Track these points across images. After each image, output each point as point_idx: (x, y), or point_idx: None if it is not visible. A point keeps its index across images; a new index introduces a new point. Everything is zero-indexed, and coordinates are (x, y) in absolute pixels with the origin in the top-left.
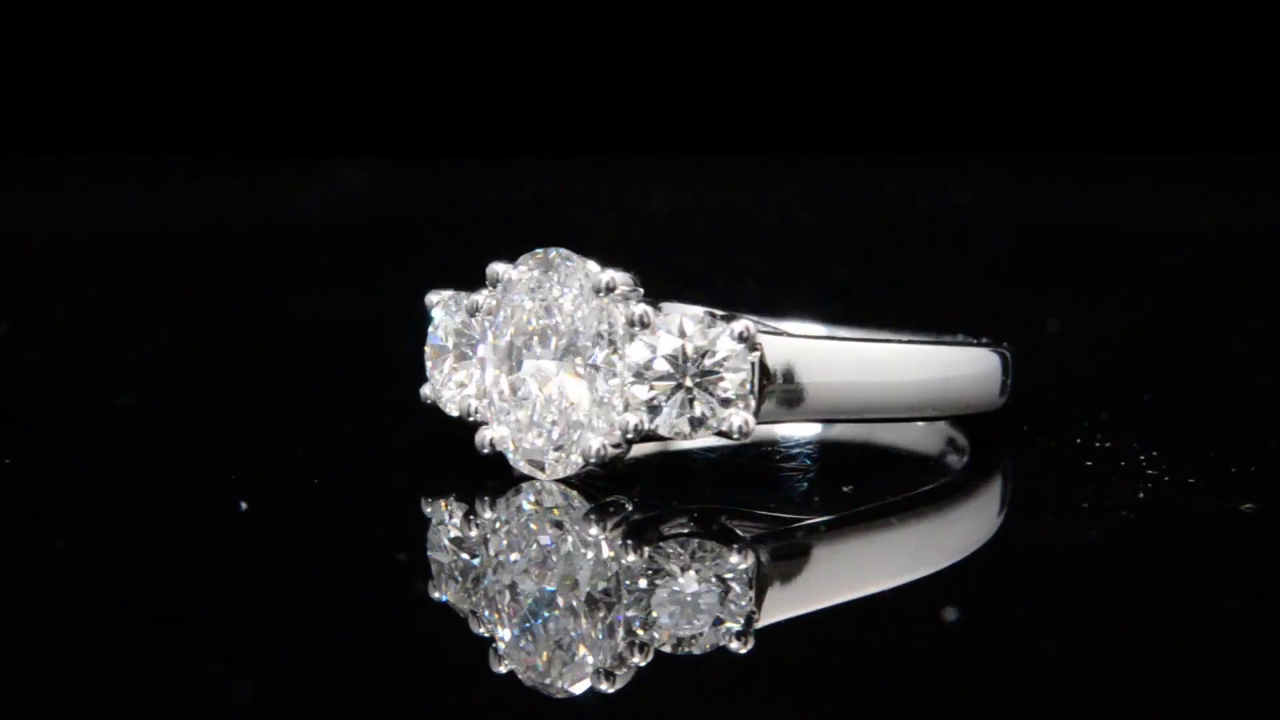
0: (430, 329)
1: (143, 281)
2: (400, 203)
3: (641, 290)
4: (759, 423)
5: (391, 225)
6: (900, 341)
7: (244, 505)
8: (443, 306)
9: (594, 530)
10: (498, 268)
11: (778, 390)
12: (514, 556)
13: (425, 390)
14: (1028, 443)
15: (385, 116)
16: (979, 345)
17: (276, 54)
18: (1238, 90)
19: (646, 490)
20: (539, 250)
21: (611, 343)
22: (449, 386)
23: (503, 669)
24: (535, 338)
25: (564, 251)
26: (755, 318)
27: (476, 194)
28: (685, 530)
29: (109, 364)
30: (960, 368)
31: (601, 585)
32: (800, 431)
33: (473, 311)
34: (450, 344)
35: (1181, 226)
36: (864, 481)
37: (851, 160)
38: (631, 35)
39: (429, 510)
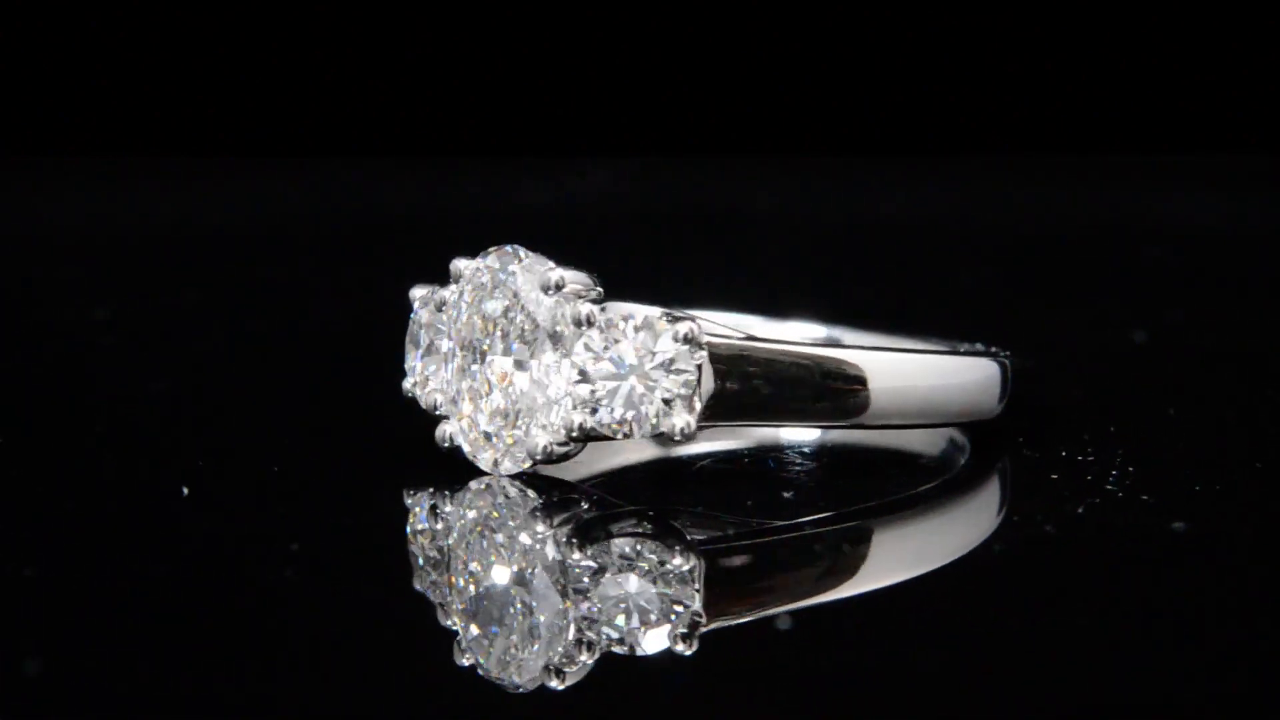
0: (410, 323)
1: (142, 281)
2: (408, 201)
3: (600, 290)
4: (705, 425)
5: (403, 224)
6: (864, 348)
7: (185, 490)
8: (421, 301)
9: (540, 527)
10: (460, 264)
11: (724, 393)
12: (467, 553)
13: (406, 384)
14: (1015, 454)
15: (384, 116)
16: (962, 354)
17: (276, 54)
18: (1238, 90)
19: (611, 489)
20: (498, 247)
21: (558, 341)
22: (422, 381)
23: (465, 661)
24: (489, 334)
25: (519, 249)
26: (705, 317)
27: (488, 193)
28: (636, 530)
29: (101, 361)
30: (942, 376)
31: (548, 583)
32: (803, 436)
33: (440, 307)
34: (423, 338)
35: (1182, 227)
36: (808, 488)
37: (852, 160)
38: (631, 35)
39: (406, 501)
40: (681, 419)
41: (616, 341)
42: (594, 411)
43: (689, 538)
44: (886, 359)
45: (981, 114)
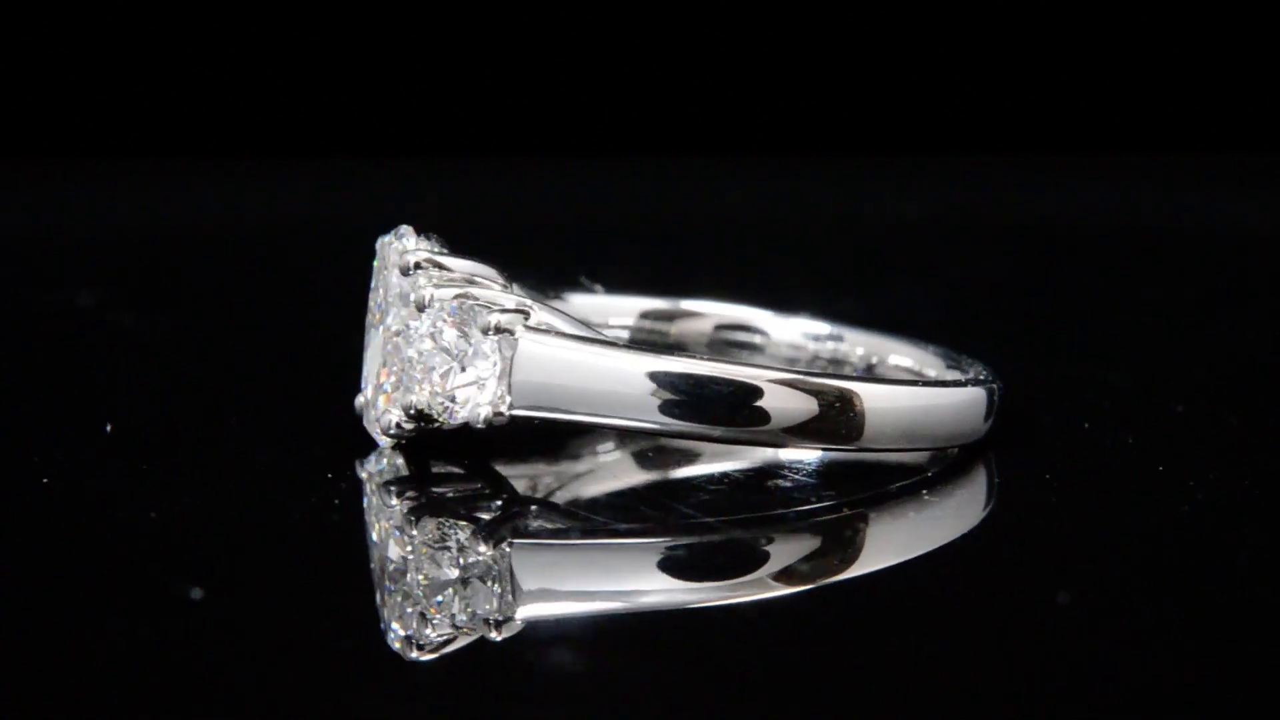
0: None
1: (141, 280)
2: (409, 201)
3: (502, 281)
4: (518, 415)
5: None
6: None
7: (109, 427)
8: None
9: (394, 502)
10: (380, 242)
11: (536, 386)
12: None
13: None
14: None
15: (386, 115)
16: (948, 383)
17: (272, 54)
18: (1238, 90)
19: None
20: (396, 228)
21: (408, 324)
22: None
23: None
24: (377, 313)
25: (407, 230)
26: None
27: (491, 193)
28: (483, 517)
29: (94, 357)
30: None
31: (394, 558)
32: (804, 454)
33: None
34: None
35: (1183, 226)
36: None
37: (853, 160)
38: (632, 35)
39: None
40: (487, 409)
41: (441, 327)
42: (424, 394)
43: (529, 529)
44: (573, 348)
45: (981, 114)
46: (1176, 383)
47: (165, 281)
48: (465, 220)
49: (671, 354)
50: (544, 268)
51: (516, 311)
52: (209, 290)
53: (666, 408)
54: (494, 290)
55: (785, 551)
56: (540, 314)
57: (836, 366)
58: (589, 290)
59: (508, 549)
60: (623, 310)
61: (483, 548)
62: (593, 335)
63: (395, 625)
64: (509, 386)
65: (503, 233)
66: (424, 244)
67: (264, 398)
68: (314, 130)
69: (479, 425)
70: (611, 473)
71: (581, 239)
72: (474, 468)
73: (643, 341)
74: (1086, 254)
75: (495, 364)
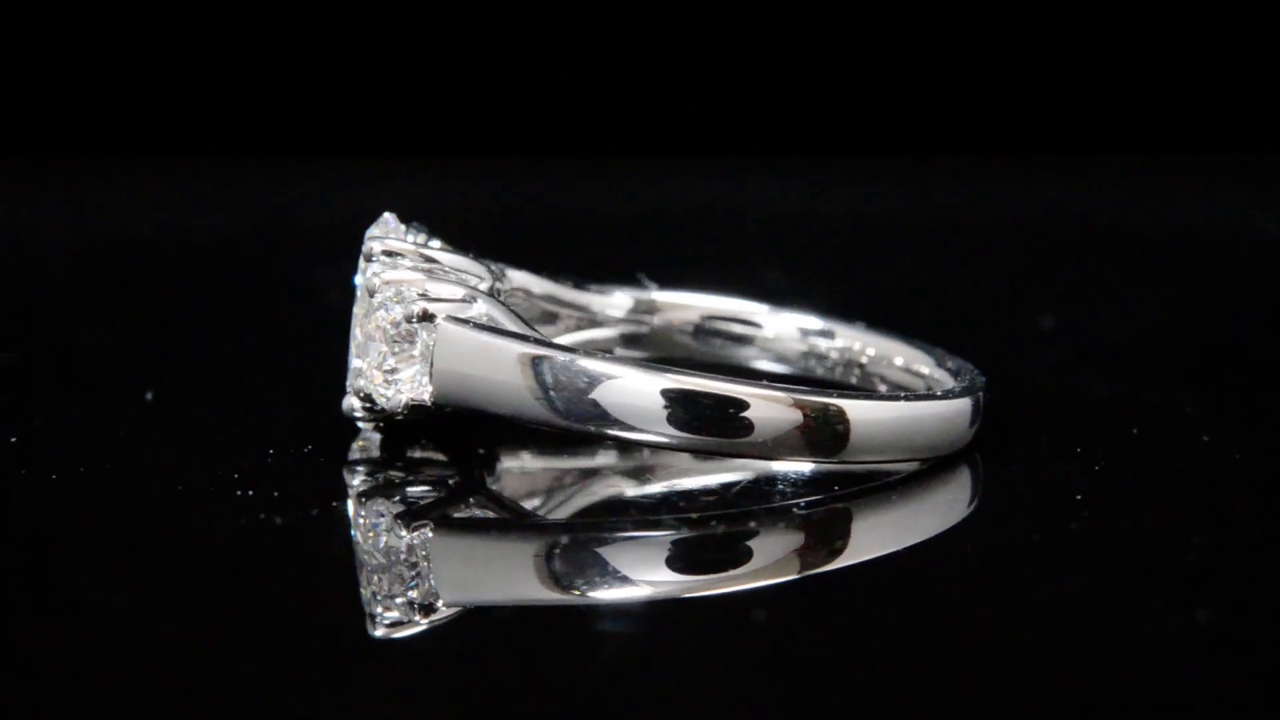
0: None
1: (140, 280)
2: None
3: (481, 279)
4: (441, 405)
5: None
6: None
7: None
8: None
9: (355, 481)
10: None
11: (455, 376)
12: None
13: None
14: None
15: (384, 115)
16: (939, 396)
17: (272, 54)
18: (1238, 90)
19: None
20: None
21: (367, 312)
22: None
23: None
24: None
25: (385, 218)
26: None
27: (496, 193)
28: (422, 502)
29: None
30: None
31: (353, 535)
32: (798, 467)
33: None
34: None
35: (1184, 227)
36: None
37: (853, 160)
38: (631, 34)
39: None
40: (406, 395)
41: (381, 313)
42: (365, 378)
43: (464, 518)
44: (488, 343)
45: (981, 114)
46: (1173, 383)
47: (162, 280)
48: (465, 220)
49: (607, 357)
50: (544, 265)
51: (450, 301)
52: (208, 289)
53: (583, 408)
54: (431, 277)
55: (767, 547)
56: (481, 305)
57: (826, 363)
58: (644, 288)
59: (430, 535)
60: (619, 305)
61: (404, 533)
62: (528, 333)
63: (366, 604)
64: (430, 375)
65: (502, 232)
66: (400, 231)
67: (257, 385)
68: (313, 130)
69: (401, 412)
70: (593, 478)
71: (582, 239)
72: (455, 456)
73: (631, 336)
74: (1086, 254)
75: (419, 351)
